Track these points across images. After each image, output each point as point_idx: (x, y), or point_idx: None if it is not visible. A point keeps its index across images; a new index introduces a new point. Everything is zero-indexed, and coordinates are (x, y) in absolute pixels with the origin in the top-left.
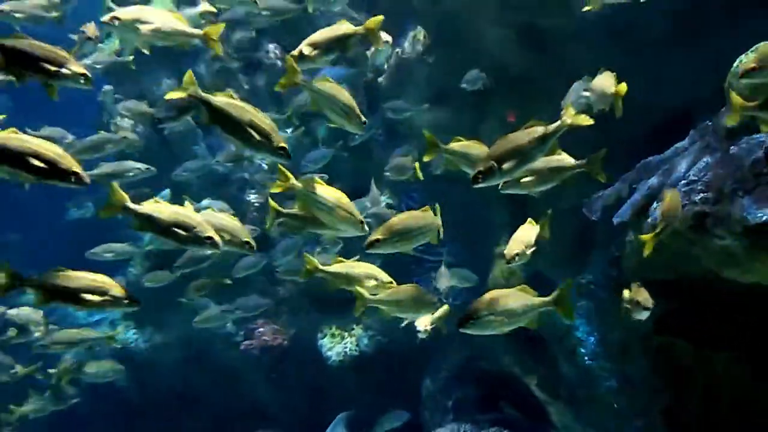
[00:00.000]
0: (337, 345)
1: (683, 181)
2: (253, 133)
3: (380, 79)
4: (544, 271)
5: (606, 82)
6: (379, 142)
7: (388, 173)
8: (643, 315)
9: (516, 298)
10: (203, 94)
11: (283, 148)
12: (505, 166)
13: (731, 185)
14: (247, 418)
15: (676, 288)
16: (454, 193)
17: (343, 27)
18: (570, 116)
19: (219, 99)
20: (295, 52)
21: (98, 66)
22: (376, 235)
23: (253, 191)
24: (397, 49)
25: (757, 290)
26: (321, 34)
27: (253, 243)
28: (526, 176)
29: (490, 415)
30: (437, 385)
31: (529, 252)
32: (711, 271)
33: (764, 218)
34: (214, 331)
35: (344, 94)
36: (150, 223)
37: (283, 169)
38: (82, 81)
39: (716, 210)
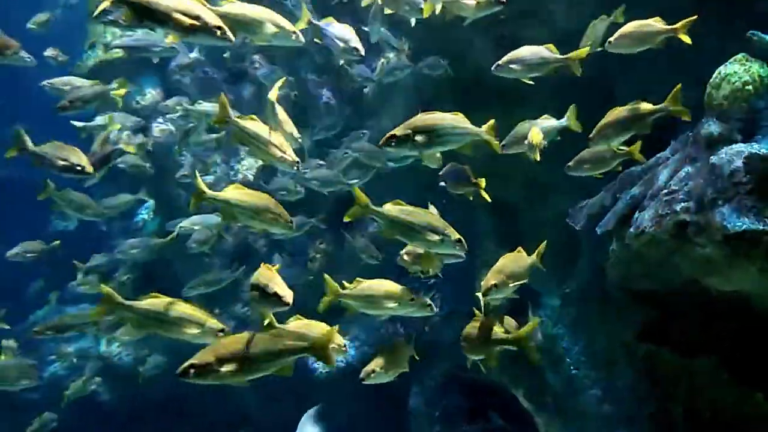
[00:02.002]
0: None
1: (664, 191)
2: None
3: (366, 90)
4: (528, 281)
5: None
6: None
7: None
8: None
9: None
10: (235, 119)
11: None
12: (419, 138)
13: (711, 194)
14: (234, 429)
15: (659, 297)
16: (437, 201)
17: None
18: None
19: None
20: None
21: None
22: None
23: None
24: (382, 60)
25: (737, 298)
26: None
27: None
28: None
29: (477, 425)
30: (424, 395)
31: (512, 285)
32: (692, 279)
33: (743, 227)
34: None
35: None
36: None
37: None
38: None
39: (697, 219)
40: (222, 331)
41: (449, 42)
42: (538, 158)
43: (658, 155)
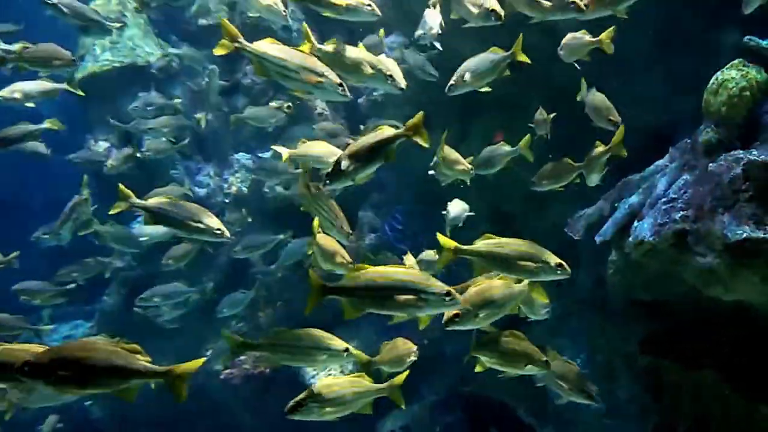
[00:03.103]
0: (321, 373)
1: (663, 199)
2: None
3: (360, 100)
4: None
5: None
6: None
7: None
8: None
9: None
10: None
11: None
12: (350, 166)
13: (711, 202)
14: None
15: (660, 307)
16: (436, 213)
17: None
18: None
19: None
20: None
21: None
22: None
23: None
24: None
25: (740, 308)
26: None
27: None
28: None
29: None
30: (424, 411)
31: (483, 315)
32: (694, 289)
33: (744, 235)
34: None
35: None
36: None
37: None
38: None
39: (697, 228)
40: (347, 350)
41: (447, 50)
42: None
43: (656, 163)
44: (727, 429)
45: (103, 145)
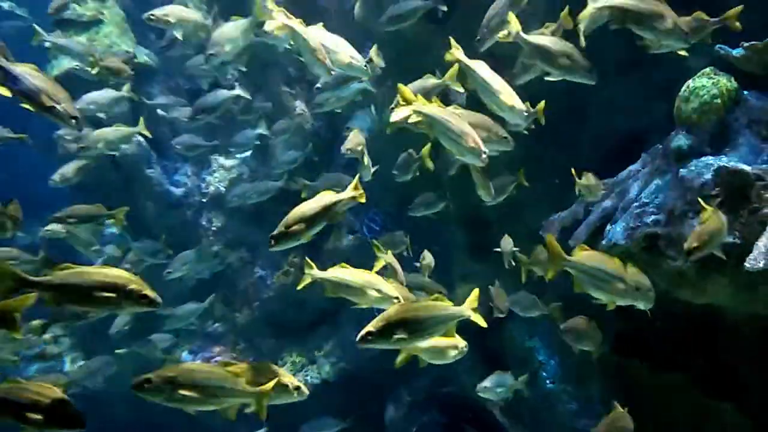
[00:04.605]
0: (298, 373)
1: (635, 203)
2: None
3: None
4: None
5: None
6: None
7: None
8: None
9: None
10: None
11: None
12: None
13: (682, 207)
14: None
15: (632, 309)
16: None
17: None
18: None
19: None
20: None
21: None
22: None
23: (209, 216)
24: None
25: (709, 310)
26: None
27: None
28: None
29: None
30: (400, 411)
31: (400, 336)
32: (665, 292)
33: None
34: (169, 360)
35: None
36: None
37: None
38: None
39: (668, 231)
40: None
41: (424, 58)
42: None
43: (630, 167)
44: (692, 428)
45: (75, 145)
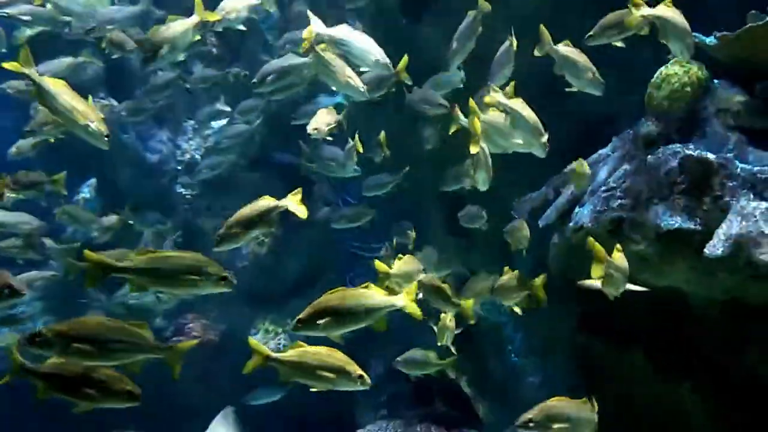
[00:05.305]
0: (271, 341)
1: (603, 187)
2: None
3: None
4: (477, 271)
5: None
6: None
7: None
8: None
9: None
10: None
11: None
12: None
13: (647, 193)
14: (176, 416)
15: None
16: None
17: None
18: None
19: None
20: None
21: None
22: None
23: (185, 183)
24: None
25: (670, 293)
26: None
27: None
28: None
29: (420, 410)
30: (371, 381)
31: (325, 323)
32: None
33: (676, 225)
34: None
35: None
36: None
37: None
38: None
39: (633, 216)
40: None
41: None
42: None
43: (599, 152)
44: (650, 410)
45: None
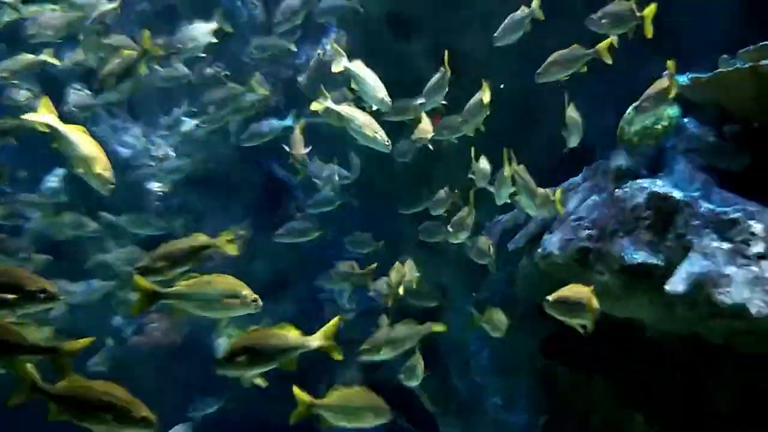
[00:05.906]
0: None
1: (572, 216)
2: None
3: (300, 78)
4: (448, 286)
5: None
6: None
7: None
8: None
9: None
10: None
11: None
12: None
13: (613, 225)
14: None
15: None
16: (363, 201)
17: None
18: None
19: None
20: None
21: None
22: None
23: (156, 180)
24: (319, 51)
25: (631, 324)
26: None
27: None
28: None
29: (383, 426)
30: None
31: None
32: None
33: (639, 260)
34: (101, 324)
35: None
36: None
37: None
38: None
39: (598, 247)
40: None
41: (389, 43)
42: None
43: (571, 180)
44: None
45: (24, 95)
